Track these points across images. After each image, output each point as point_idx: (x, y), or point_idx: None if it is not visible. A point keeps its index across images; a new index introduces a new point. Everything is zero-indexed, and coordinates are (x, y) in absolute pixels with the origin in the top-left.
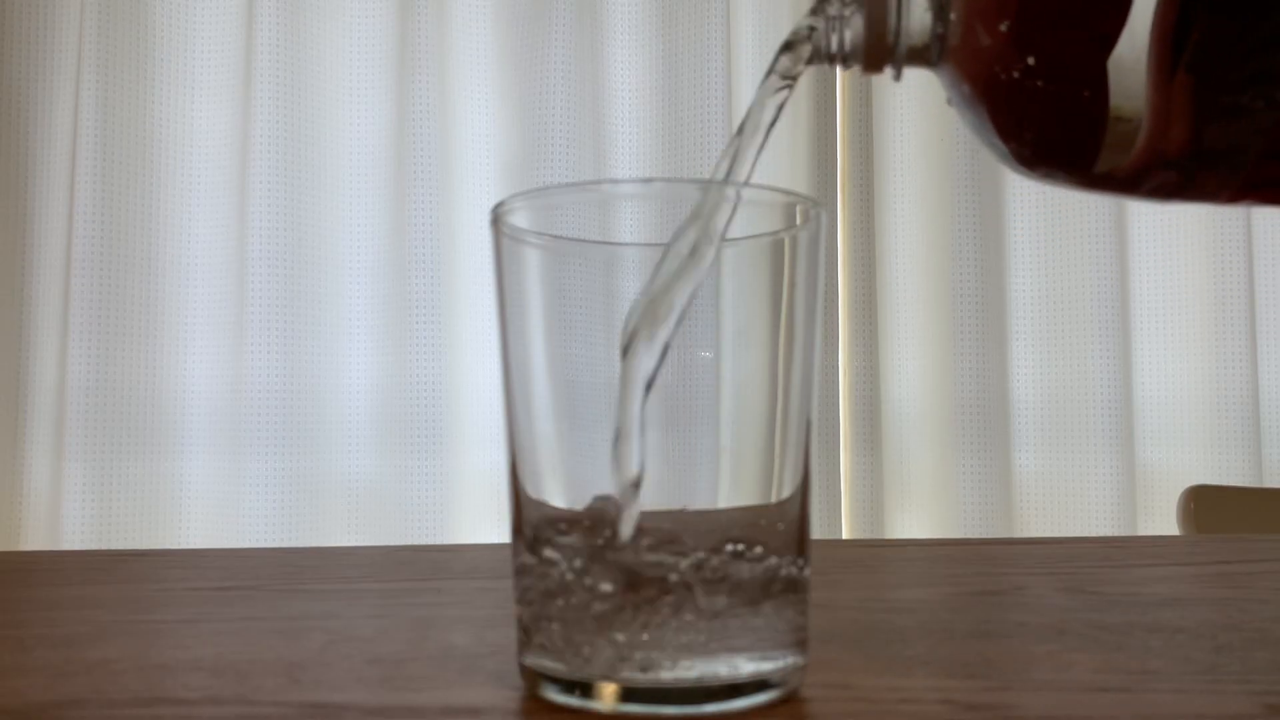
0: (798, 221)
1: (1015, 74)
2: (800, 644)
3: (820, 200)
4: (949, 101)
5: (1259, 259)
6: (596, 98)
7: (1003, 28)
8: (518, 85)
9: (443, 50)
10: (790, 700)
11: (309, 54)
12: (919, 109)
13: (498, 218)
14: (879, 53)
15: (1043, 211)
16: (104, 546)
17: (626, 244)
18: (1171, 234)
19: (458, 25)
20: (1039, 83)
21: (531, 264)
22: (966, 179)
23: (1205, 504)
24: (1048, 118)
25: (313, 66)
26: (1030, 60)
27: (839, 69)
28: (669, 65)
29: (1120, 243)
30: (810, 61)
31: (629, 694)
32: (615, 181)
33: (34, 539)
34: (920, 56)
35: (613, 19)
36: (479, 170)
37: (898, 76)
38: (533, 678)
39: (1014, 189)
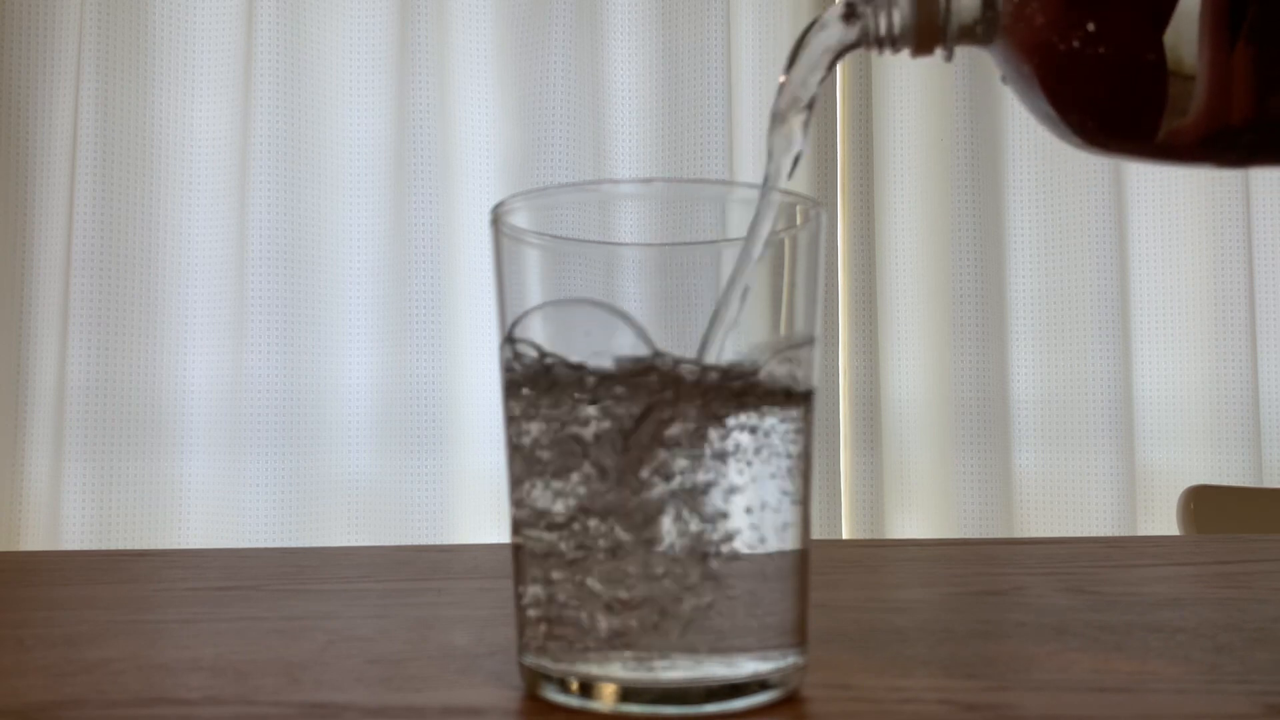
0: (798, 221)
1: (1074, 43)
2: (800, 644)
3: (820, 200)
4: (1003, 80)
5: (1259, 259)
6: (596, 98)
7: None
8: (518, 85)
9: (443, 50)
10: (790, 700)
11: (309, 54)
12: (919, 109)
13: (498, 218)
14: (929, 33)
15: (1042, 211)
16: (104, 546)
17: (626, 244)
18: (1171, 234)
19: (458, 25)
20: (1099, 50)
21: (531, 264)
22: (966, 179)
23: (1205, 504)
24: (1110, 86)
25: (313, 66)
26: (1089, 27)
27: (888, 53)
28: (669, 65)
29: (1120, 242)
30: (858, 46)
31: (629, 694)
32: (615, 181)
33: (34, 539)
34: (972, 35)
35: (613, 19)
36: (479, 170)
37: (949, 57)
38: (533, 678)
39: (1014, 189)
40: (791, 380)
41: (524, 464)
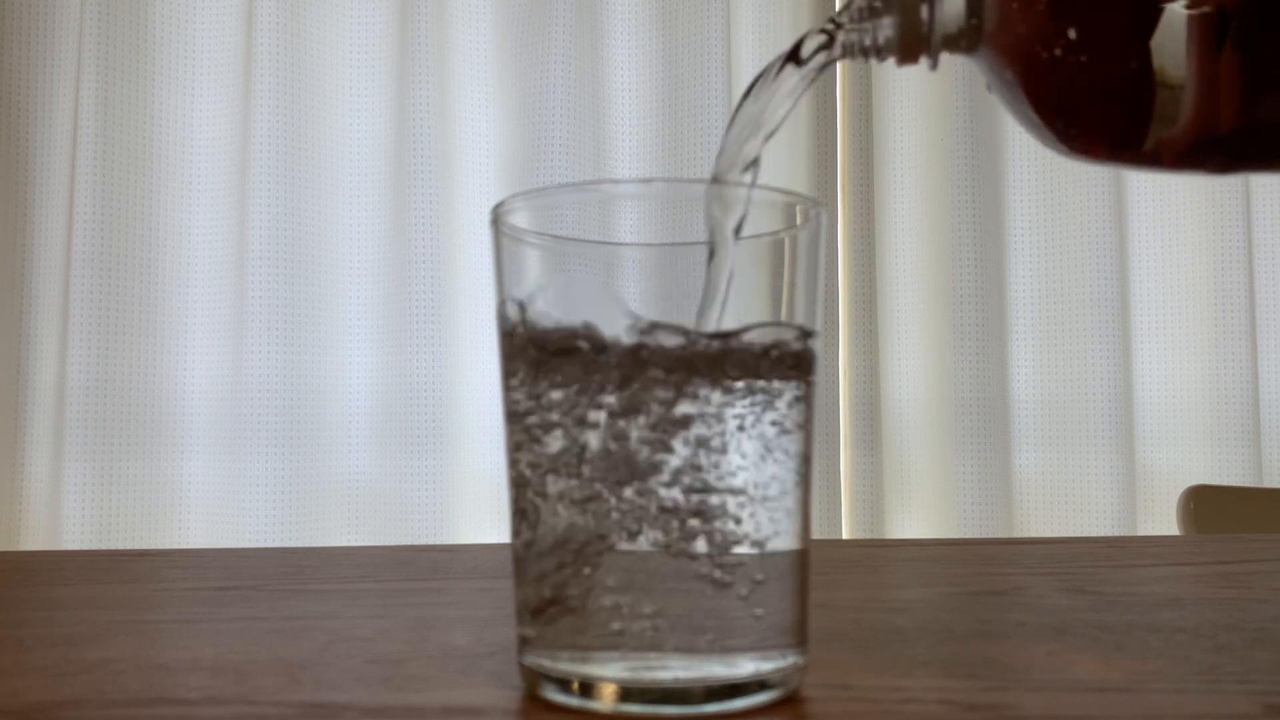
0: (798, 221)
1: (1057, 51)
2: (800, 644)
3: (820, 200)
4: (989, 88)
5: (1259, 259)
6: (596, 98)
7: (1040, 5)
8: (518, 85)
9: (443, 50)
10: (790, 700)
11: (309, 54)
12: (919, 109)
13: (498, 218)
14: (913, 43)
15: (1042, 211)
16: (104, 546)
17: (626, 244)
18: (1171, 234)
19: (458, 25)
20: (1083, 58)
21: (531, 264)
22: (966, 179)
23: (1205, 504)
24: (1094, 95)
25: (313, 66)
26: (1072, 35)
27: (874, 61)
28: (669, 65)
29: (1120, 242)
30: (844, 56)
31: (629, 694)
32: (615, 181)
33: (34, 539)
34: (956, 43)
35: (613, 19)
36: (479, 170)
37: (934, 66)
38: (533, 678)
39: (1014, 189)
40: (792, 373)
41: (522, 460)
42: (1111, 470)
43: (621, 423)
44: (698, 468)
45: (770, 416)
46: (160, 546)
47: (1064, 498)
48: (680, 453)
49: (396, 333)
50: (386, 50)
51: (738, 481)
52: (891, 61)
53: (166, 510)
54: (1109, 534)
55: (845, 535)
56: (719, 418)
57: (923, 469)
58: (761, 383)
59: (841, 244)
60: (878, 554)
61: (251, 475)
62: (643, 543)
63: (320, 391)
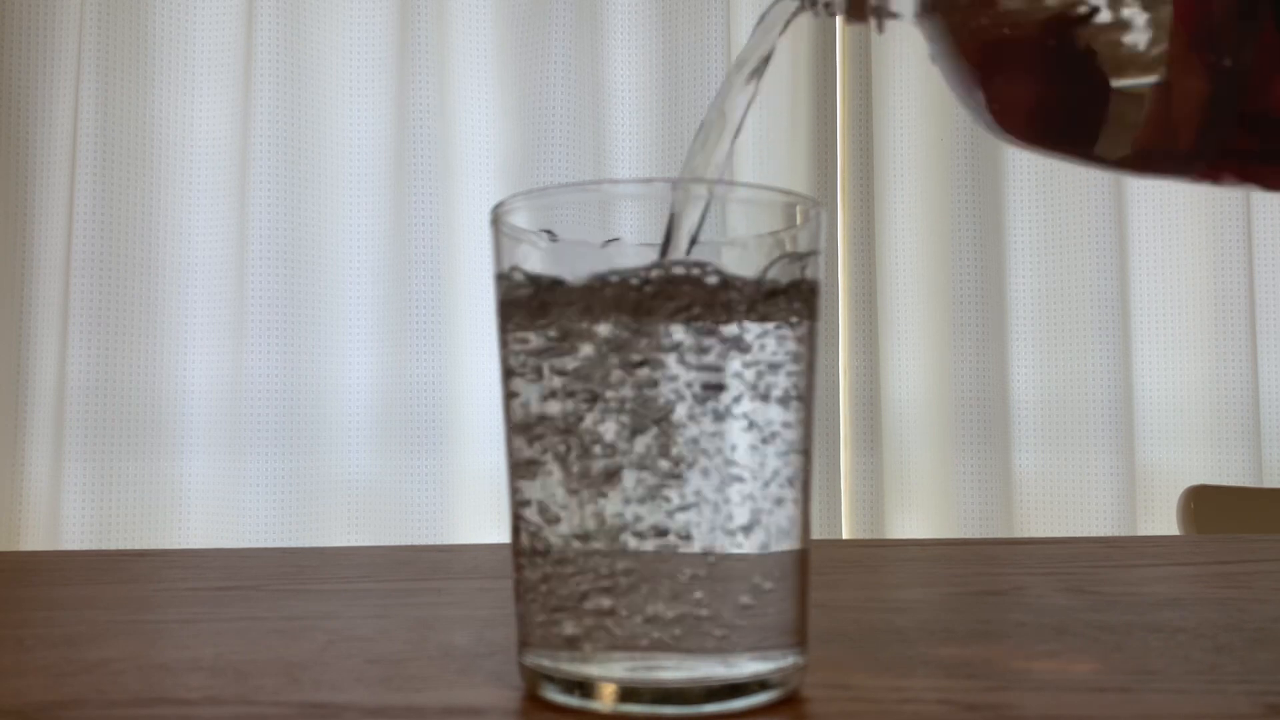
0: (798, 221)
1: (984, 20)
2: (800, 644)
3: (820, 200)
4: (932, 58)
5: (1259, 259)
6: (596, 98)
7: None
8: (518, 85)
9: (443, 50)
10: (790, 700)
11: (309, 54)
12: (919, 109)
13: (498, 218)
14: (859, 2)
15: (1043, 211)
16: (104, 546)
17: (626, 244)
18: (1171, 234)
19: (458, 25)
20: (1006, 30)
21: (531, 264)
22: (966, 178)
23: (1205, 504)
24: (1016, 70)
25: (313, 66)
26: (1013, 10)
27: (825, 18)
28: (669, 65)
29: (1120, 243)
30: (799, 11)
31: (629, 694)
32: (615, 181)
33: (34, 539)
34: (897, 6)
35: (613, 19)
36: (479, 170)
37: (880, 28)
38: (533, 678)
39: (1014, 189)
40: (791, 366)
41: (518, 458)
42: (1111, 470)
43: (613, 398)
44: (696, 469)
45: (772, 423)
46: (160, 546)
47: (1064, 498)
48: (679, 453)
49: (396, 333)
50: (386, 50)
51: (737, 484)
52: (893, 61)
53: (166, 510)
54: (1109, 534)
55: (845, 535)
56: (713, 403)
57: (923, 469)
58: (758, 370)
59: (841, 244)
60: (878, 554)
61: (251, 475)
62: (642, 541)
63: (320, 391)
